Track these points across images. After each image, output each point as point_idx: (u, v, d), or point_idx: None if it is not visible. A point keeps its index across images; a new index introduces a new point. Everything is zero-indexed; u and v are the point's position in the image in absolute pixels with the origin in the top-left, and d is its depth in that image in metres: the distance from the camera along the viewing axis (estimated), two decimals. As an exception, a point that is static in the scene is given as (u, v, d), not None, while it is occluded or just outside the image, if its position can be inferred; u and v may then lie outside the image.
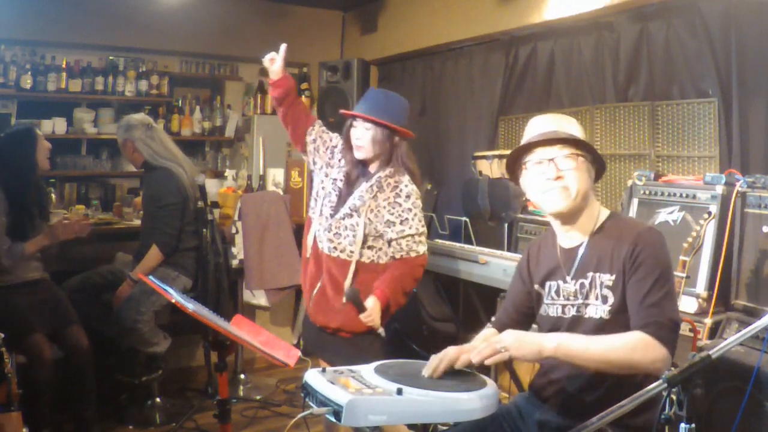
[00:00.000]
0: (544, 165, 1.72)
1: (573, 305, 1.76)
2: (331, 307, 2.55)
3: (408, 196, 2.52)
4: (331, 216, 2.56)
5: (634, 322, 1.61)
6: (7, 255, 2.96)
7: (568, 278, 1.77)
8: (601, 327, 1.68)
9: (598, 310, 1.69)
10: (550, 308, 1.82)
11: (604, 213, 1.78)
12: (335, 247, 2.54)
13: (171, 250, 3.36)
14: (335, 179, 2.63)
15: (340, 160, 2.65)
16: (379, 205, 2.51)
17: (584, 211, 1.75)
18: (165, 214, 3.35)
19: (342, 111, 2.70)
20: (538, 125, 1.78)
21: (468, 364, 1.67)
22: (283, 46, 2.71)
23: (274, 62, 2.72)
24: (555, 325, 1.81)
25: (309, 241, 2.66)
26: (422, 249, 2.56)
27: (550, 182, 1.71)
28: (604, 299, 1.69)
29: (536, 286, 1.88)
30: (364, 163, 2.60)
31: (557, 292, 1.80)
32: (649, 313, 1.58)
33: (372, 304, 2.44)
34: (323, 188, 2.65)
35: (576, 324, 1.74)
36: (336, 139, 2.72)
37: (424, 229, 2.58)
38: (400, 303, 2.55)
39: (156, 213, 3.38)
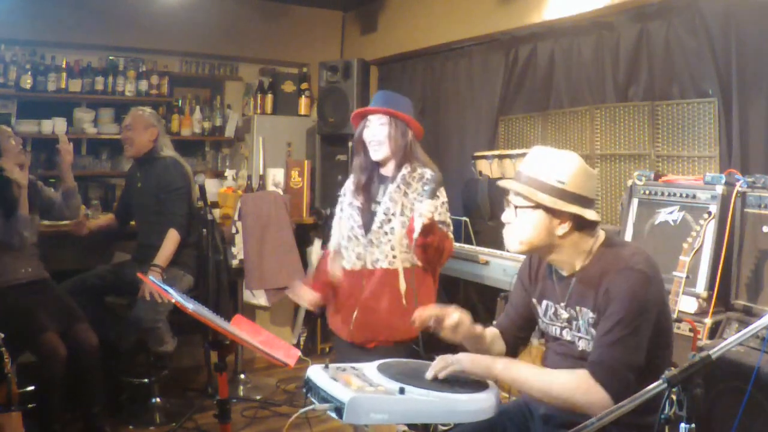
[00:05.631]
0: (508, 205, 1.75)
1: (567, 329, 1.75)
2: (378, 320, 2.52)
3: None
4: (366, 231, 2.56)
5: (589, 356, 1.61)
6: (7, 234, 2.96)
7: (562, 304, 1.76)
8: None
9: (589, 345, 1.68)
10: (550, 328, 1.82)
11: (599, 240, 1.72)
12: (378, 259, 2.52)
13: (186, 232, 3.41)
14: (351, 202, 2.65)
15: (345, 194, 2.70)
16: (411, 200, 2.51)
17: (558, 251, 1.70)
18: (175, 198, 3.42)
19: (355, 111, 2.68)
20: (527, 158, 1.75)
21: (456, 324, 1.77)
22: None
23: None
24: (554, 341, 1.81)
25: (335, 269, 2.62)
26: (450, 235, 2.53)
27: (505, 225, 1.75)
28: (592, 336, 1.67)
29: (534, 300, 1.87)
30: (378, 167, 2.62)
31: (555, 314, 1.79)
32: (601, 352, 1.57)
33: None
34: (346, 218, 2.65)
35: (572, 349, 1.73)
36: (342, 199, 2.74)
37: (450, 221, 2.56)
38: (434, 250, 2.41)
39: (166, 198, 3.42)
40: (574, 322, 1.72)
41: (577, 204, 1.65)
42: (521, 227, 1.69)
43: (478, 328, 1.84)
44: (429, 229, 2.30)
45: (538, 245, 1.69)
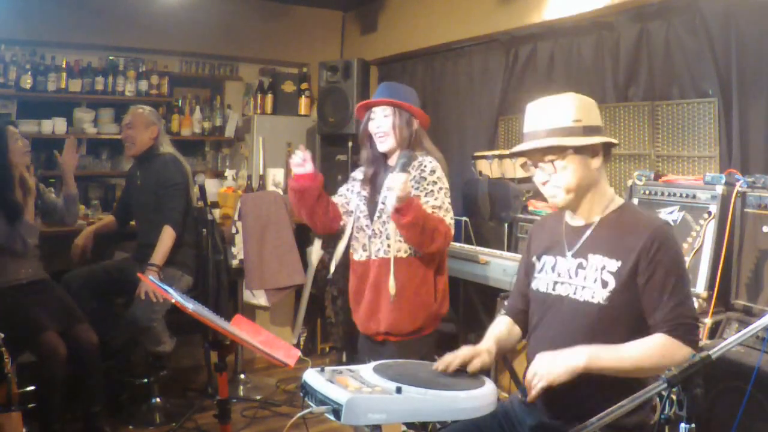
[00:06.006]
0: (535, 168, 1.77)
1: (564, 283, 1.75)
2: (378, 311, 2.53)
3: (432, 171, 2.50)
4: (371, 222, 2.57)
5: (659, 322, 1.61)
6: (10, 238, 2.96)
7: (568, 254, 1.76)
8: (596, 311, 1.67)
9: (595, 294, 1.68)
10: (540, 282, 1.82)
11: (618, 200, 1.77)
12: (379, 249, 2.53)
13: (181, 229, 3.41)
14: (359, 192, 2.67)
15: (355, 179, 2.72)
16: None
17: (589, 195, 1.75)
18: (173, 194, 3.42)
19: (359, 104, 2.68)
20: (530, 117, 1.77)
21: (480, 369, 1.71)
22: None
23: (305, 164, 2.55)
24: (543, 302, 1.80)
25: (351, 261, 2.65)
26: (448, 220, 2.49)
27: (541, 185, 1.77)
28: (604, 284, 1.67)
29: (533, 258, 1.89)
30: (384, 159, 2.62)
31: (553, 268, 1.80)
32: (674, 315, 1.59)
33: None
34: (354, 206, 2.68)
35: (565, 304, 1.73)
36: (353, 181, 2.77)
37: (450, 206, 2.53)
38: (419, 231, 2.34)
39: (164, 194, 3.43)
40: (581, 271, 1.72)
41: (598, 134, 1.72)
42: (564, 178, 1.71)
43: (494, 344, 1.83)
44: (404, 202, 2.24)
45: (583, 187, 1.73)
